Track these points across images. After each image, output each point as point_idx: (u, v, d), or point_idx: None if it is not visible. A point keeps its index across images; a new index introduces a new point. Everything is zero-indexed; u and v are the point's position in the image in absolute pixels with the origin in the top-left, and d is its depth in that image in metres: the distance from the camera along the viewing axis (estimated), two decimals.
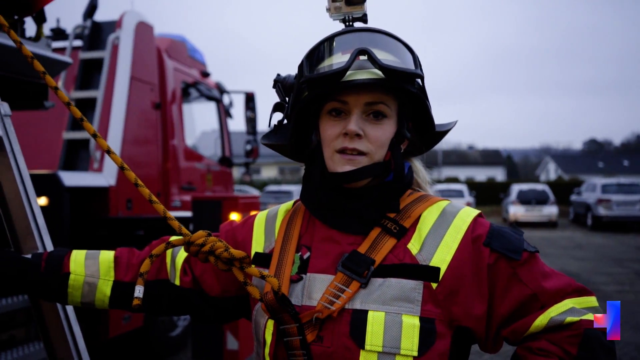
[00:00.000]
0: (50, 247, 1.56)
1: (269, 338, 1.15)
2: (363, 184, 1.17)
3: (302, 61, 1.18)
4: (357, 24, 1.26)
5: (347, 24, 1.25)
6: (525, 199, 23.04)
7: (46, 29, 5.73)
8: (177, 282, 1.34)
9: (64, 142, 5.06)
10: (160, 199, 5.57)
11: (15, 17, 2.12)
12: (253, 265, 1.21)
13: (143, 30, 5.47)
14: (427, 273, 1.10)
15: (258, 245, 1.29)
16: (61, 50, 5.32)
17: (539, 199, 22.94)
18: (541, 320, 1.10)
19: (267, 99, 1.68)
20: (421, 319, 1.07)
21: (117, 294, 1.35)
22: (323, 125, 1.18)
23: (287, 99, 1.27)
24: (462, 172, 54.30)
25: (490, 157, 60.36)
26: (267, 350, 1.16)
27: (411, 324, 1.06)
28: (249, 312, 1.30)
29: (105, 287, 1.34)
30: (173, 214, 5.62)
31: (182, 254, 1.36)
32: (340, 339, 1.08)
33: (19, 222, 1.54)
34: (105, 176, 4.81)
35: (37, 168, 4.85)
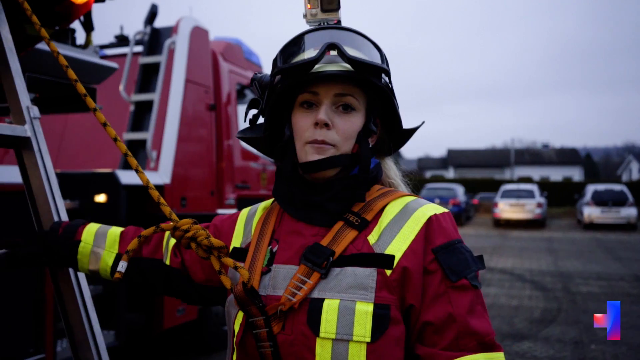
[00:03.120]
0: None
1: (237, 328, 1.20)
2: (330, 174, 1.20)
3: (277, 55, 1.24)
4: None
5: None
6: (600, 200, 21.93)
7: (110, 36, 6.08)
8: (168, 262, 1.43)
9: (124, 143, 5.35)
10: (214, 196, 5.78)
11: (56, 27, 2.28)
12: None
13: (198, 34, 5.69)
14: (381, 260, 1.13)
15: (237, 240, 1.35)
16: (123, 56, 5.64)
17: (616, 200, 21.76)
18: None
19: None
20: (375, 305, 1.09)
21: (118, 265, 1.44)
22: (295, 118, 1.23)
23: (262, 96, 1.32)
24: (536, 172, 52.33)
25: (566, 156, 57.77)
26: (234, 340, 1.21)
27: (364, 310, 1.09)
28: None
29: (108, 258, 1.47)
30: (224, 211, 5.86)
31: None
32: (299, 327, 1.12)
33: (44, 215, 1.68)
34: (160, 175, 5.05)
35: (100, 167, 5.16)
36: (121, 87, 5.35)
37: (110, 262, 1.47)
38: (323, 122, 1.17)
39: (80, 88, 1.61)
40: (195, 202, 5.42)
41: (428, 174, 53.54)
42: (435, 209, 1.21)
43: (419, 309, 1.13)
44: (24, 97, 1.75)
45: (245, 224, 1.37)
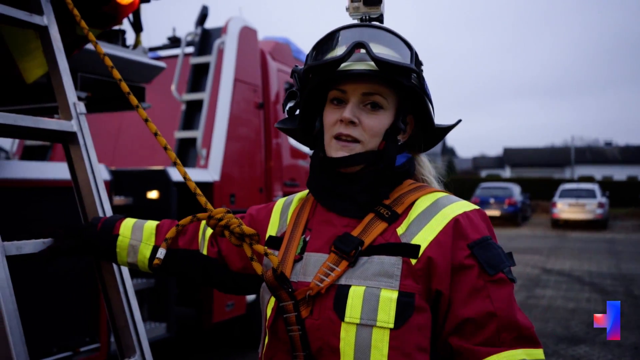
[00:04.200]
0: None
1: (269, 313, 1.24)
2: (357, 169, 1.23)
3: (309, 52, 1.27)
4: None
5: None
6: None
7: (163, 38, 6.26)
8: (205, 252, 1.47)
9: (176, 141, 5.51)
10: (262, 193, 5.86)
11: (105, 28, 2.37)
12: (266, 247, 1.31)
13: (247, 34, 5.78)
14: (407, 250, 1.15)
15: (273, 228, 1.39)
16: (175, 57, 5.80)
17: None
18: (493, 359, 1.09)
19: None
20: (400, 293, 1.11)
21: (155, 257, 1.50)
22: (325, 112, 1.26)
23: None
24: (599, 171, 50.17)
25: (631, 155, 55.06)
26: (266, 323, 1.25)
27: (388, 297, 1.11)
28: None
29: (145, 251, 1.52)
30: None
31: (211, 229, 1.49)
32: (326, 312, 1.15)
33: (89, 207, 1.76)
34: (210, 172, 5.16)
35: (154, 164, 5.33)
36: (173, 87, 5.51)
37: (148, 254, 1.51)
38: (348, 120, 1.19)
39: (124, 87, 1.68)
40: (244, 198, 5.51)
41: (483, 173, 52.35)
42: (466, 206, 1.22)
43: (448, 297, 1.13)
44: (71, 94, 1.83)
45: (281, 214, 1.41)
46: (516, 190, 24.15)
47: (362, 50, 1.18)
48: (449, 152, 61.55)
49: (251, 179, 5.76)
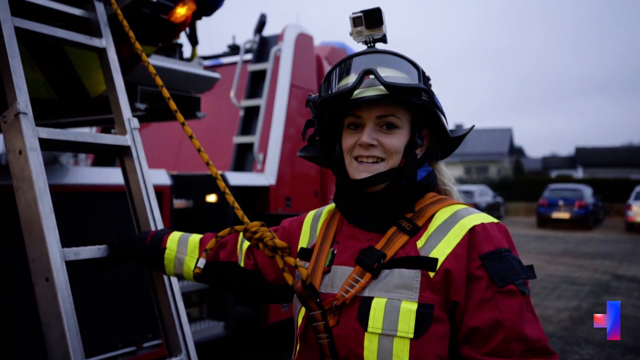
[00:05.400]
0: None
1: (300, 321, 1.33)
2: (380, 187, 1.29)
3: (322, 83, 1.35)
4: (378, 45, 1.39)
5: (369, 45, 1.38)
6: None
7: (223, 46, 6.49)
8: (242, 264, 1.59)
9: (234, 146, 5.70)
10: (318, 197, 5.96)
11: (160, 44, 2.53)
12: (298, 259, 1.40)
13: (303, 40, 5.90)
14: (425, 263, 1.20)
15: (304, 240, 1.47)
16: (234, 64, 6.01)
17: None
18: None
19: None
20: (419, 305, 1.17)
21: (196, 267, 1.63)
22: (344, 138, 1.33)
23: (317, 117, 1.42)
24: None
25: None
26: (297, 331, 1.34)
27: (408, 309, 1.16)
28: None
29: (190, 263, 1.65)
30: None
31: (247, 242, 1.59)
32: (350, 322, 1.22)
33: (141, 214, 1.90)
34: (266, 176, 5.32)
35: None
36: (232, 94, 5.70)
37: (192, 266, 1.64)
38: (366, 144, 1.26)
39: (172, 105, 1.81)
40: (299, 202, 5.63)
41: (554, 174, 50.37)
42: (484, 218, 1.26)
43: (464, 307, 1.18)
44: (126, 111, 1.99)
45: (312, 226, 1.49)
46: (587, 191, 23.09)
47: (372, 76, 1.24)
48: (517, 152, 59.52)
49: (307, 182, 5.88)
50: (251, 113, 5.72)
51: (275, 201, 5.33)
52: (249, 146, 5.63)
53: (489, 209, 23.39)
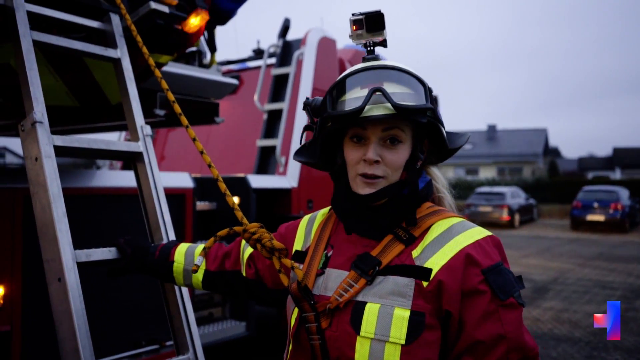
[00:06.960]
0: (172, 237, 1.98)
1: (292, 322, 1.37)
2: (383, 202, 1.32)
3: (326, 95, 1.35)
4: (378, 49, 1.40)
5: (368, 48, 1.38)
6: None
7: (248, 50, 6.59)
8: (244, 273, 1.65)
9: (258, 149, 5.80)
10: None
11: (174, 54, 2.62)
12: (293, 261, 1.44)
13: (325, 44, 5.96)
14: (419, 272, 1.23)
15: (298, 243, 1.52)
16: (257, 69, 6.10)
17: None
18: None
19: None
20: (412, 312, 1.20)
21: (206, 279, 1.72)
22: (346, 149, 1.34)
23: (315, 120, 1.44)
24: None
25: None
26: (290, 332, 1.38)
27: (401, 315, 1.20)
28: None
29: (198, 274, 1.72)
30: None
31: (248, 251, 1.66)
32: (343, 325, 1.26)
33: (152, 218, 1.98)
34: (288, 179, 5.39)
35: (237, 172, 5.65)
36: (255, 97, 5.79)
37: (200, 277, 1.72)
38: (372, 160, 1.27)
39: (177, 108, 1.88)
40: (321, 204, 5.68)
41: (590, 175, 49.18)
42: (479, 233, 1.28)
43: (459, 318, 1.21)
44: (139, 118, 2.07)
45: (306, 229, 1.53)
46: (624, 193, 22.49)
47: (378, 93, 1.24)
48: (552, 153, 58.22)
49: (329, 185, 5.84)
50: (274, 116, 5.80)
51: (297, 203, 5.40)
52: (272, 149, 5.71)
53: (522, 211, 23.02)
